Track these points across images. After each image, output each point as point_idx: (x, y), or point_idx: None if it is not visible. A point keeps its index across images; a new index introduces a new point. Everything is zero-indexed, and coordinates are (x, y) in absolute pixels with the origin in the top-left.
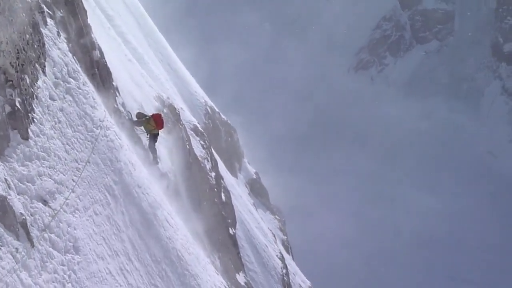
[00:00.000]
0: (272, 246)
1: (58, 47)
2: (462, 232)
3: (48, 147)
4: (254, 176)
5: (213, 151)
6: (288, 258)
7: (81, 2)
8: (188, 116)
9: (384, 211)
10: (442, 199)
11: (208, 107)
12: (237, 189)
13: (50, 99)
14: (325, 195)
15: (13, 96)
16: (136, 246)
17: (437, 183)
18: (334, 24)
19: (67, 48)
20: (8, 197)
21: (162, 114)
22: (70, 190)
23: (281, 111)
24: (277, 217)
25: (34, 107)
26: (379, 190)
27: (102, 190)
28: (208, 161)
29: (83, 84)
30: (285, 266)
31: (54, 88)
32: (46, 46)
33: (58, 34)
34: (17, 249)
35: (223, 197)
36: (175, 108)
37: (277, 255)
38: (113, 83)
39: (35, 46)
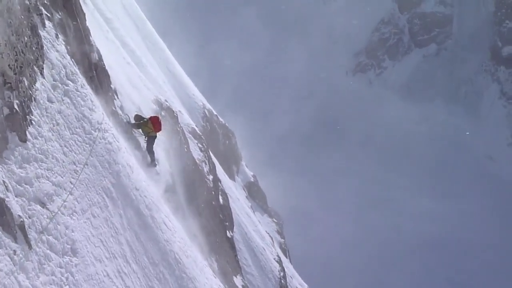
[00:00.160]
0: (270, 249)
1: (56, 50)
2: (461, 235)
3: (46, 149)
4: (252, 179)
5: (211, 154)
6: (285, 261)
7: (80, 4)
8: (186, 119)
9: (383, 214)
10: (440, 202)
11: (206, 110)
12: (234, 192)
13: (48, 101)
14: (323, 198)
15: (11, 98)
16: (134, 249)
17: (436, 186)
18: (333, 26)
19: (66, 51)
20: (6, 199)
21: (160, 117)
22: (68, 193)
23: (280, 113)
24: (274, 220)
25: (32, 109)
26: (378, 193)
27: (100, 193)
28: (206, 164)
29: (81, 87)
30: (283, 269)
31: (52, 90)
32: (44, 48)
33: (57, 37)
34: (15, 251)
35: (220, 200)
36: (173, 111)
37: (274, 258)
38: (111, 85)
39: (34, 48)
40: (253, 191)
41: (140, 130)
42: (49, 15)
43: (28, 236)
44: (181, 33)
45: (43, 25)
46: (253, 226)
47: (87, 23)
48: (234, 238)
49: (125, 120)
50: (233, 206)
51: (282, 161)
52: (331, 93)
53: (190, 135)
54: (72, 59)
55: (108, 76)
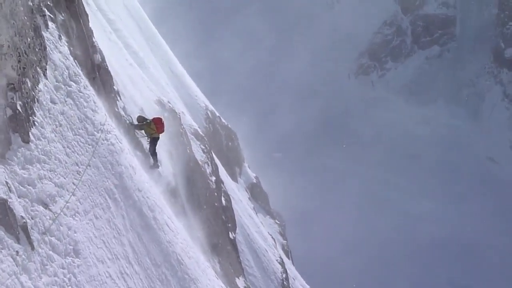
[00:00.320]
0: (272, 251)
1: (59, 51)
2: (463, 236)
3: (49, 150)
4: (254, 181)
5: (213, 155)
6: (288, 262)
7: (83, 5)
8: (188, 120)
9: (384, 215)
10: (442, 203)
11: (208, 111)
12: (237, 194)
13: (51, 102)
14: (325, 199)
15: (14, 99)
16: (136, 250)
17: (438, 187)
18: (335, 28)
19: (68, 52)
20: (9, 200)
21: (163, 118)
22: (71, 194)
23: (282, 114)
24: (277, 221)
25: (35, 111)
26: (380, 194)
27: (102, 194)
28: (208, 165)
29: (84, 88)
30: (285, 271)
31: (55, 92)
32: (47, 49)
33: (60, 38)
34: (17, 252)
35: (223, 201)
36: (176, 112)
37: (277, 260)
38: (114, 87)
39: (37, 49)
40: (255, 192)
41: (143, 131)
42: (52, 16)
43: (31, 237)
44: (184, 32)
45: (46, 26)
46: (256, 228)
47: (90, 24)
48: (237, 239)
49: (127, 121)
50: (236, 208)
51: (284, 162)
52: (334, 95)
53: (192, 136)
54: (75, 60)
55: (111, 77)
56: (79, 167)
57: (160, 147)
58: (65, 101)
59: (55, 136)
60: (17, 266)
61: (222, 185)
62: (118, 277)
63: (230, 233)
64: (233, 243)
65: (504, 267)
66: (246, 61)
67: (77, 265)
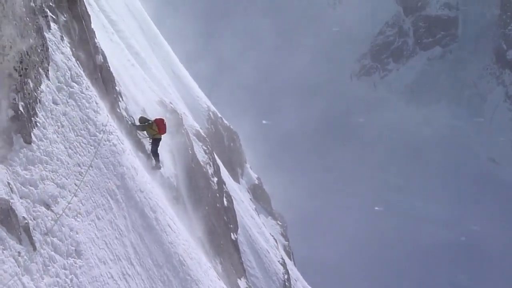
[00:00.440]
0: (274, 252)
1: (61, 52)
2: (464, 237)
3: (51, 151)
4: (256, 182)
5: (215, 156)
6: (289, 263)
7: (85, 6)
8: (190, 121)
9: (386, 216)
10: (443, 204)
11: (210, 112)
12: (239, 194)
13: (53, 103)
14: (327, 200)
15: (16, 100)
16: (138, 251)
17: (439, 188)
18: (337, 29)
19: (71, 53)
20: (11, 200)
21: (165, 119)
22: (73, 194)
23: (284, 115)
24: (279, 222)
25: (37, 111)
26: (382, 195)
27: (104, 195)
28: (210, 166)
29: (86, 89)
30: (287, 272)
31: (57, 92)
32: (49, 50)
33: (62, 39)
34: (19, 252)
35: (225, 202)
36: (178, 113)
37: (278, 261)
38: (116, 87)
39: (39, 50)
40: (257, 193)
41: (145, 132)
42: (54, 17)
43: (33, 237)
44: (185, 32)
45: (48, 27)
46: (258, 229)
47: (92, 25)
48: (238, 240)
49: (129, 122)
50: (238, 209)
51: (286, 163)
52: (336, 96)
53: (194, 137)
54: (77, 61)
55: (113, 78)
56: (81, 168)
57: (162, 148)
58: (67, 102)
59: (57, 137)
60: (19, 267)
61: (224, 186)
62: (120, 278)
63: (232, 234)
64: (235, 244)
65: (505, 267)
66: (247, 61)
67: (79, 266)
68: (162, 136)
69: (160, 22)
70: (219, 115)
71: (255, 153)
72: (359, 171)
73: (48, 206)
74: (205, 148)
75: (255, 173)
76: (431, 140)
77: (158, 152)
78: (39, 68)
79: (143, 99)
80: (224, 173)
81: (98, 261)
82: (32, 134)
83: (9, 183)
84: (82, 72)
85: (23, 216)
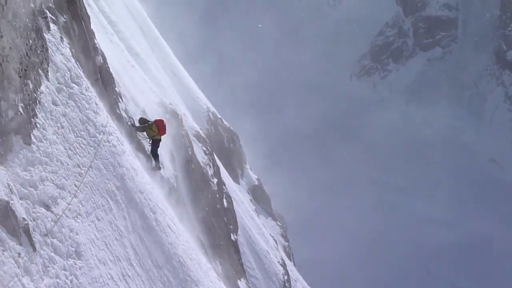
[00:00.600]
0: (274, 253)
1: (61, 52)
2: (464, 238)
3: (51, 152)
4: (256, 182)
5: (215, 157)
6: (289, 264)
7: (84, 7)
8: (190, 122)
9: (386, 217)
10: (443, 206)
11: (210, 113)
12: (239, 195)
13: (53, 104)
14: (327, 202)
15: (16, 101)
16: (138, 252)
17: (439, 190)
18: (337, 30)
19: (70, 54)
20: (11, 202)
21: (165, 120)
22: (73, 195)
23: (284, 116)
24: (279, 223)
25: (37, 112)
26: (381, 196)
27: (104, 196)
28: (210, 167)
29: (86, 90)
30: (287, 273)
31: (57, 93)
32: (49, 51)
33: (61, 39)
34: (19, 254)
35: (225, 203)
36: (178, 114)
37: (278, 262)
38: (116, 88)
39: (38, 51)
40: (257, 194)
41: (145, 133)
42: (54, 18)
43: (33, 238)
44: (186, 30)
45: (48, 28)
46: (257, 229)
47: (92, 26)
48: (238, 241)
49: (129, 123)
50: (238, 209)
51: (286, 163)
52: (336, 96)
53: (194, 138)
54: (77, 62)
55: (112, 79)
56: (81, 169)
57: (162, 149)
58: (67, 103)
59: (57, 138)
60: (19, 268)
61: (223, 187)
62: (120, 279)
63: (231, 234)
64: (234, 245)
65: (507, 268)
66: (247, 62)
67: (79, 267)
68: (162, 137)
69: (160, 22)
70: (219, 116)
71: (255, 153)
72: (359, 172)
73: (48, 207)
74: (205, 149)
75: (255, 173)
76: (431, 141)
77: (158, 153)
78: (39, 69)
79: (143, 100)
80: (224, 174)
81: (98, 262)
82: (32, 135)
83: (8, 184)
84: (81, 73)
85: (23, 217)
